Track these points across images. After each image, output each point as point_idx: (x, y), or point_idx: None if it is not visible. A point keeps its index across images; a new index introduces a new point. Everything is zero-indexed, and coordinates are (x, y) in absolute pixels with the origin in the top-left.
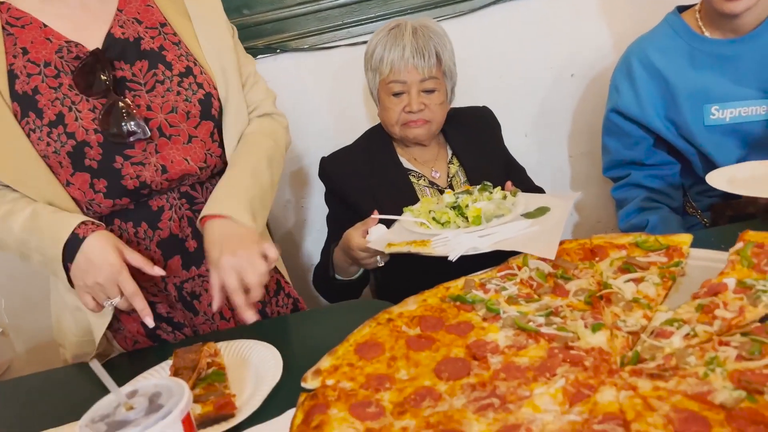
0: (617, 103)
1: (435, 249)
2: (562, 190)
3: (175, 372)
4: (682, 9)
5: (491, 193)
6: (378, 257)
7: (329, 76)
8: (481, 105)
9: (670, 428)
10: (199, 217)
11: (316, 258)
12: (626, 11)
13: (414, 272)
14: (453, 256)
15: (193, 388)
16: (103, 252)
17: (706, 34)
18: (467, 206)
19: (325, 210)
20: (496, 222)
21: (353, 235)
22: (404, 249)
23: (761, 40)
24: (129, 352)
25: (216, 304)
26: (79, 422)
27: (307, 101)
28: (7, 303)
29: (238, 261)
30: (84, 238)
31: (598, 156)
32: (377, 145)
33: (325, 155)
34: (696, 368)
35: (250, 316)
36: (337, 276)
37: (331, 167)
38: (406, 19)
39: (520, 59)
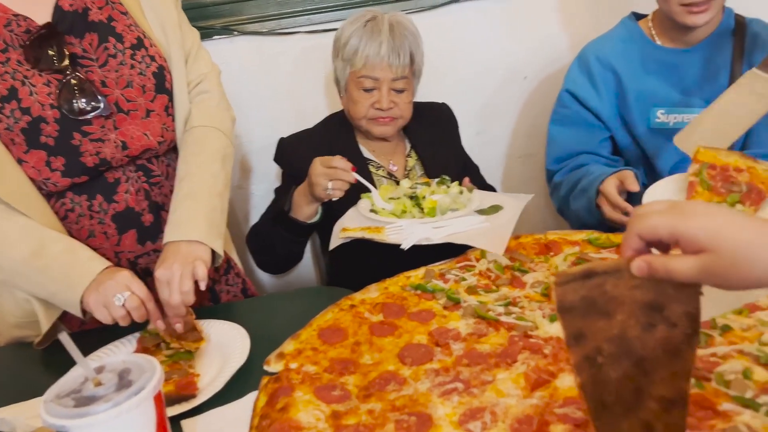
0: (573, 89)
1: (389, 236)
2: (509, 190)
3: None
4: (638, 17)
5: (448, 187)
6: (330, 184)
7: (287, 62)
8: (438, 101)
9: None
10: (164, 242)
11: None
12: (583, 17)
13: (365, 262)
14: (405, 245)
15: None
16: (113, 270)
17: (657, 41)
18: (424, 198)
19: (272, 195)
20: (450, 215)
21: (318, 159)
22: (358, 234)
23: (706, 52)
24: (77, 333)
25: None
26: (44, 396)
27: (264, 87)
28: None
29: (170, 275)
30: None
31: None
32: (338, 132)
33: (284, 136)
34: None
35: (178, 328)
36: (291, 214)
37: (291, 149)
38: (381, 12)
39: (476, 58)
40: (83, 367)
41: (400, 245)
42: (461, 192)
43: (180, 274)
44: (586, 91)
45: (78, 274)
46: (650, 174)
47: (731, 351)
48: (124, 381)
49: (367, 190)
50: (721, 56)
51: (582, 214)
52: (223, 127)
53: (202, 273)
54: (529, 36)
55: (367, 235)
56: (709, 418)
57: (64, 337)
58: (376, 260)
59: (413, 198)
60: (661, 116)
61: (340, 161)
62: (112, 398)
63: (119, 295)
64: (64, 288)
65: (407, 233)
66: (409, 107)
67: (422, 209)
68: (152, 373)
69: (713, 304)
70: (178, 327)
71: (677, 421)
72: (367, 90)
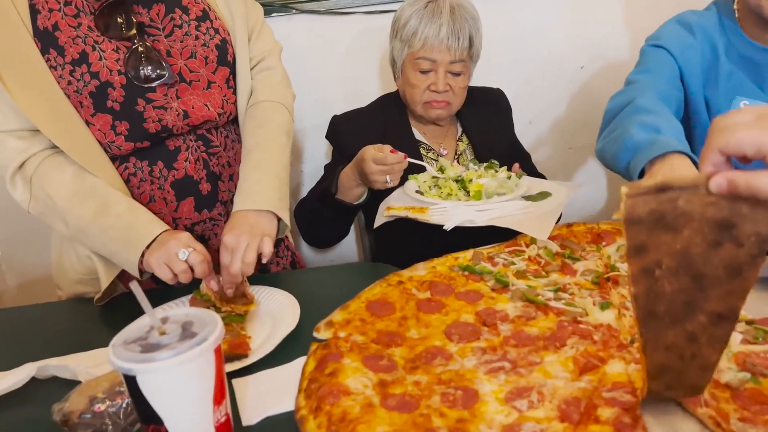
0: (670, 46)
1: (432, 217)
2: (559, 181)
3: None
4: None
5: (496, 171)
6: (388, 177)
7: (343, 43)
8: (493, 86)
9: None
10: (234, 210)
11: None
12: (646, 11)
13: (408, 242)
14: (448, 226)
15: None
16: (174, 231)
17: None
18: (470, 181)
19: (321, 174)
20: (496, 199)
21: (370, 148)
22: (402, 213)
23: None
24: (130, 293)
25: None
26: (112, 341)
27: (317, 67)
28: (1, 235)
29: (237, 243)
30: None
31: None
32: (392, 112)
33: (337, 114)
34: None
35: (229, 293)
36: (338, 196)
37: (343, 127)
38: None
39: (533, 45)
40: (150, 317)
41: (443, 226)
42: (509, 177)
43: (246, 245)
44: (684, 56)
45: (138, 235)
46: None
47: None
48: (187, 332)
49: (419, 170)
50: None
51: (628, 137)
52: (286, 103)
53: (268, 250)
54: (587, 24)
55: (411, 215)
56: (765, 413)
57: (135, 287)
58: (420, 241)
59: (459, 181)
60: (744, 107)
61: (392, 156)
62: (175, 347)
63: (183, 250)
64: (124, 247)
65: (451, 214)
66: (463, 92)
67: (468, 192)
68: (214, 326)
69: None
70: (229, 292)
71: (722, 334)
72: (423, 72)
